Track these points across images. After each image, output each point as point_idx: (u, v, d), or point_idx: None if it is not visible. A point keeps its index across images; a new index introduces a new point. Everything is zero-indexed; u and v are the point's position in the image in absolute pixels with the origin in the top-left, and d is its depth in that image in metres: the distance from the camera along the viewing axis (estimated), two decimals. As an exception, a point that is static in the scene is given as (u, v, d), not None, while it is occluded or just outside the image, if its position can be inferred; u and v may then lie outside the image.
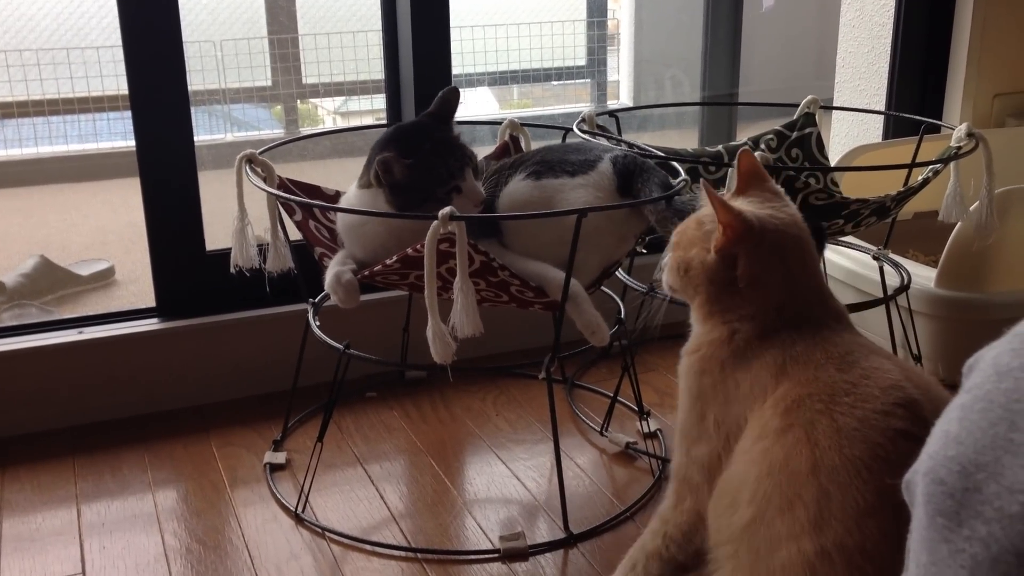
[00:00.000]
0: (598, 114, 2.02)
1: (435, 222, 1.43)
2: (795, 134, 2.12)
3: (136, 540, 1.60)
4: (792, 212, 1.23)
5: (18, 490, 1.75)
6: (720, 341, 1.20)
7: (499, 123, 2.00)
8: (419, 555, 1.55)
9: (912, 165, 1.85)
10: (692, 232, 1.25)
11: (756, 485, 1.07)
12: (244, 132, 4.62)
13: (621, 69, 4.76)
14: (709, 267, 1.20)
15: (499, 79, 4.97)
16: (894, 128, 2.65)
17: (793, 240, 1.20)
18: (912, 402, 1.05)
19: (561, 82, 5.21)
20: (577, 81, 5.18)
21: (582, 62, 5.09)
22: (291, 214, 1.77)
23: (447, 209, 1.43)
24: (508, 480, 1.78)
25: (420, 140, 1.60)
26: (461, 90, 1.68)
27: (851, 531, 1.00)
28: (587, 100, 5.02)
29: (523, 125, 1.99)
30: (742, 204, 1.23)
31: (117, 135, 4.43)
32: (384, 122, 2.29)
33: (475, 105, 4.69)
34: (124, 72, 1.95)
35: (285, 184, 1.75)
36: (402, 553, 1.56)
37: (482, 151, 2.01)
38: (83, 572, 1.51)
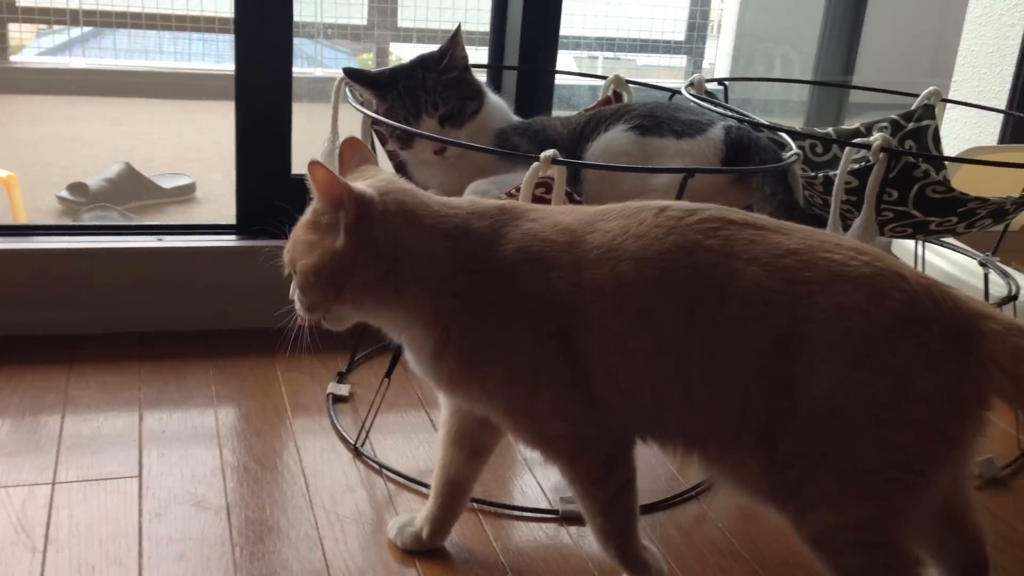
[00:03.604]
0: (707, 81, 1.94)
1: (535, 164, 1.38)
2: (911, 125, 2.01)
3: (195, 452, 1.59)
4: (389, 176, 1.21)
5: (83, 387, 1.75)
6: (456, 314, 1.13)
7: (603, 78, 1.94)
8: (474, 504, 1.51)
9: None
10: (304, 237, 1.16)
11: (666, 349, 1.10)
12: (335, 69, 4.61)
13: (720, 47, 4.62)
14: (342, 256, 1.11)
15: (594, 45, 4.87)
16: (1012, 134, 2.53)
17: (409, 193, 1.17)
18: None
19: (657, 55, 5.09)
20: (673, 57, 5.05)
21: (681, 37, 4.95)
22: (383, 143, 1.74)
23: (549, 152, 1.38)
24: (571, 442, 1.73)
25: (395, 81, 1.64)
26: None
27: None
28: (677, 78, 4.89)
29: (628, 83, 1.92)
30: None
31: (210, 56, 4.44)
32: (485, 63, 2.23)
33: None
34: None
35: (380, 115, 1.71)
36: (457, 500, 1.53)
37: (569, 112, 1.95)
38: (140, 476, 1.51)
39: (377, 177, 1.20)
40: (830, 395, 1.04)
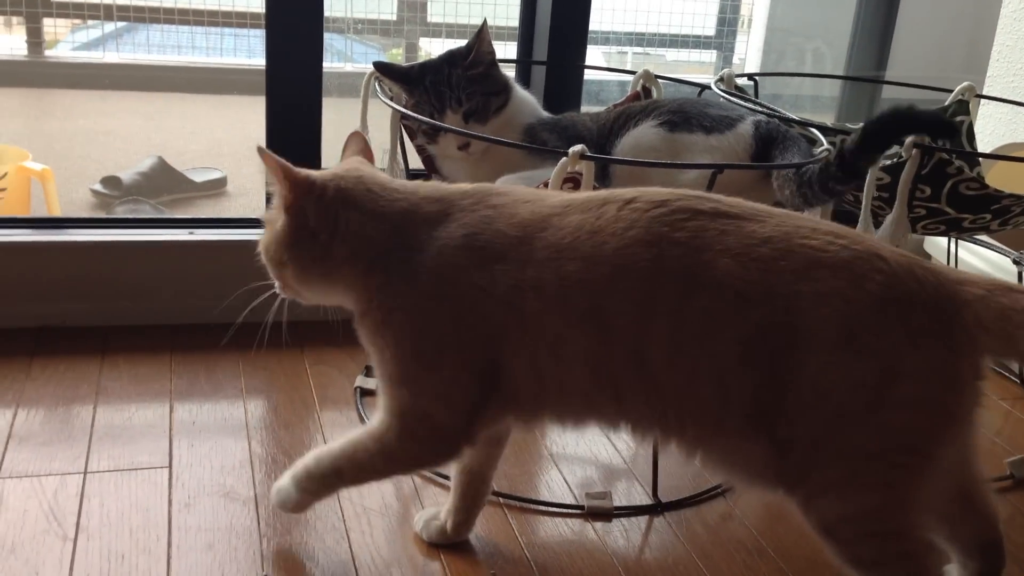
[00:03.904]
0: (737, 76, 1.93)
1: (564, 159, 1.38)
2: (945, 121, 1.99)
3: (224, 443, 1.60)
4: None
5: (115, 378, 1.77)
6: (383, 286, 1.18)
7: (632, 73, 1.93)
8: (500, 499, 1.52)
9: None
10: (265, 216, 1.26)
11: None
12: (365, 64, 4.62)
13: (751, 42, 4.58)
14: (282, 234, 1.20)
15: (624, 40, 4.85)
16: (1047, 131, 2.49)
17: (360, 180, 1.21)
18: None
19: (686, 50, 5.06)
20: (703, 52, 5.02)
21: (711, 32, 4.92)
22: (412, 138, 1.74)
23: (577, 147, 1.38)
24: (598, 439, 1.73)
25: (423, 76, 1.65)
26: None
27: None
28: (707, 74, 4.85)
29: (657, 78, 1.91)
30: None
31: (241, 52, 4.47)
32: (514, 58, 2.23)
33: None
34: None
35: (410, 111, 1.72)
36: (483, 495, 1.53)
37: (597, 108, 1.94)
38: (170, 466, 1.52)
39: (344, 166, 1.26)
40: (817, 382, 1.04)
